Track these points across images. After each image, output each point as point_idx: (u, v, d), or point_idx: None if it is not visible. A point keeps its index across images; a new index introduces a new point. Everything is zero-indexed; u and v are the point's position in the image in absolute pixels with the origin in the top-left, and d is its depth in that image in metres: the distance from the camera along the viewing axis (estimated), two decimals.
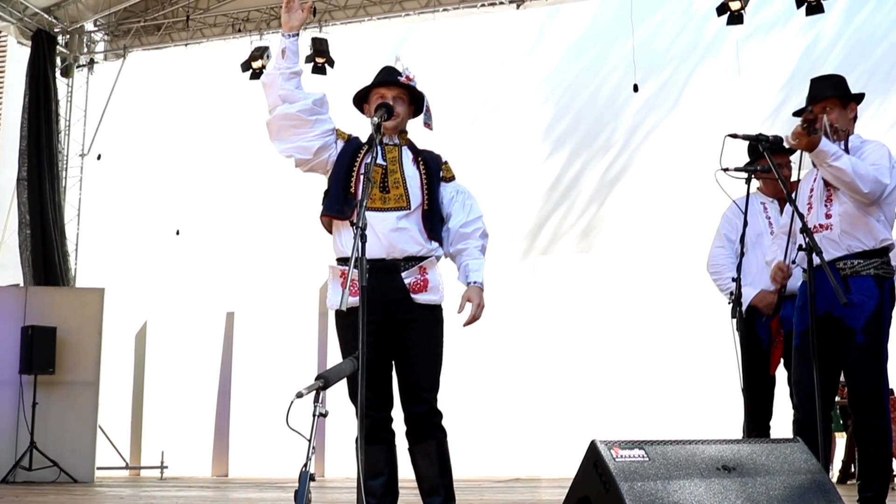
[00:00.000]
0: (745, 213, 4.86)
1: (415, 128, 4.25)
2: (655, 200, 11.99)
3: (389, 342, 3.95)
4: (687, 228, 10.75)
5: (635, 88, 11.37)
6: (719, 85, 11.90)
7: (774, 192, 5.40)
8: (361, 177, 3.84)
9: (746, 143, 5.01)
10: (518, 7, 12.16)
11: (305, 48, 12.14)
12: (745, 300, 5.16)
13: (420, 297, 3.95)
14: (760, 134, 4.73)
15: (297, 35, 4.08)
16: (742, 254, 4.86)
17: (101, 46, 14.06)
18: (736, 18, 10.91)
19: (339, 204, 3.98)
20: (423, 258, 3.98)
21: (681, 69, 12.47)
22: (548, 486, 9.48)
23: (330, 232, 4.12)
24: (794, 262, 4.72)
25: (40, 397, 10.31)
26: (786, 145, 4.76)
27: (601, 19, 12.92)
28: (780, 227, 4.91)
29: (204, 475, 12.60)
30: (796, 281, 5.01)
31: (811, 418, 4.32)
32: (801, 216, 4.39)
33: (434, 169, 4.12)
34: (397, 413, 4.00)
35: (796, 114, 4.68)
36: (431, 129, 4.24)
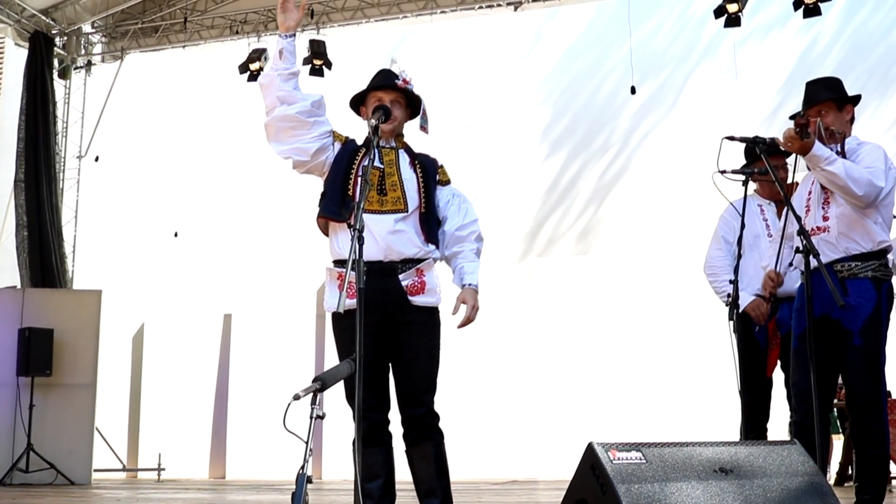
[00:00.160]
0: (743, 216, 4.87)
1: (410, 132, 4.25)
2: (653, 202, 11.99)
3: (386, 344, 3.95)
4: (684, 230, 10.75)
5: (633, 90, 11.38)
6: (717, 87, 11.91)
7: (771, 195, 5.40)
8: (359, 179, 3.84)
9: (743, 145, 5.01)
10: (516, 9, 12.17)
11: (303, 50, 12.15)
12: (740, 306, 5.16)
13: (417, 300, 3.96)
14: (757, 136, 4.74)
15: (294, 35, 4.08)
16: (739, 256, 4.86)
17: (98, 48, 14.06)
18: (733, 21, 10.92)
19: (337, 206, 3.98)
20: (420, 260, 3.98)
21: (678, 71, 12.48)
22: (545, 488, 9.47)
23: (326, 234, 4.12)
24: (790, 264, 4.73)
25: (37, 399, 10.29)
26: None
27: (599, 21, 12.92)
28: (778, 230, 4.92)
29: (201, 477, 12.59)
30: (794, 283, 5.02)
31: (809, 420, 4.32)
32: (799, 219, 4.39)
33: (431, 172, 4.13)
34: (394, 415, 4.01)
35: (793, 118, 4.68)
36: (427, 132, 4.24)
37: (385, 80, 4.15)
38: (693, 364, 10.44)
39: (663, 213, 11.77)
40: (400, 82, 4.13)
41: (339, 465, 10.86)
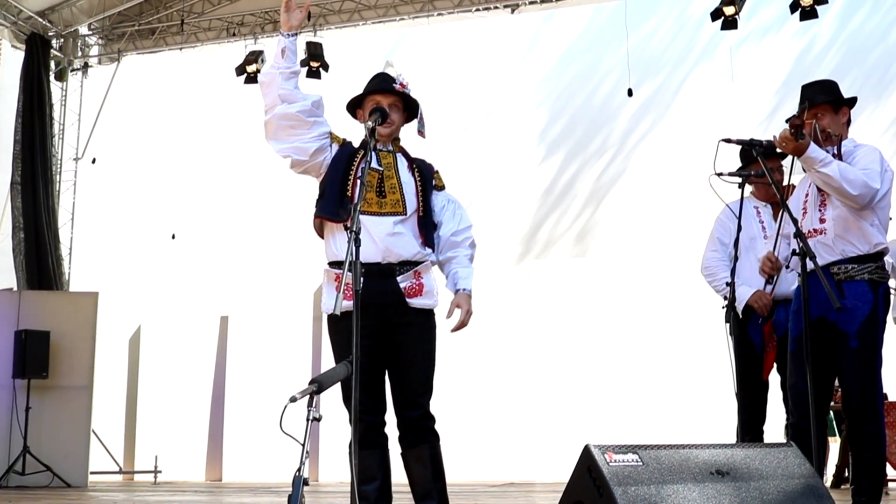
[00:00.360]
0: (739, 218, 4.87)
1: (407, 137, 4.26)
2: (650, 205, 11.99)
3: (383, 346, 3.95)
4: (681, 233, 10.75)
5: (630, 93, 11.39)
6: (713, 90, 11.92)
7: (767, 197, 5.41)
8: (358, 181, 3.85)
9: (740, 147, 5.02)
10: (513, 11, 12.18)
11: (300, 52, 12.13)
12: (742, 300, 5.17)
13: (415, 302, 3.97)
14: (753, 139, 4.74)
15: (297, 35, 4.09)
16: (736, 258, 4.87)
17: (95, 50, 14.05)
18: (730, 23, 10.93)
19: (335, 207, 3.98)
20: (418, 263, 3.99)
21: (675, 74, 12.49)
22: (542, 490, 9.47)
23: (321, 236, 4.12)
24: (787, 266, 4.73)
25: (34, 402, 10.28)
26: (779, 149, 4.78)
27: (596, 24, 12.93)
28: (773, 231, 4.92)
29: (198, 479, 12.57)
30: (790, 285, 5.02)
31: (806, 423, 4.31)
32: (795, 221, 4.40)
33: (428, 177, 4.15)
34: (390, 417, 4.00)
35: (790, 120, 4.69)
36: (425, 136, 4.25)
37: (382, 83, 4.15)
38: (690, 366, 10.44)
39: (660, 215, 11.77)
40: (397, 86, 4.13)
41: (336, 468, 10.86)
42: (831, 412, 9.38)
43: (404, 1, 12.51)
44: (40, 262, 12.53)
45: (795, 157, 4.50)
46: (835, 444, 9.51)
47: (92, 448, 10.97)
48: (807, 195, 4.70)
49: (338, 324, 3.91)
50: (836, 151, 4.58)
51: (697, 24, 12.11)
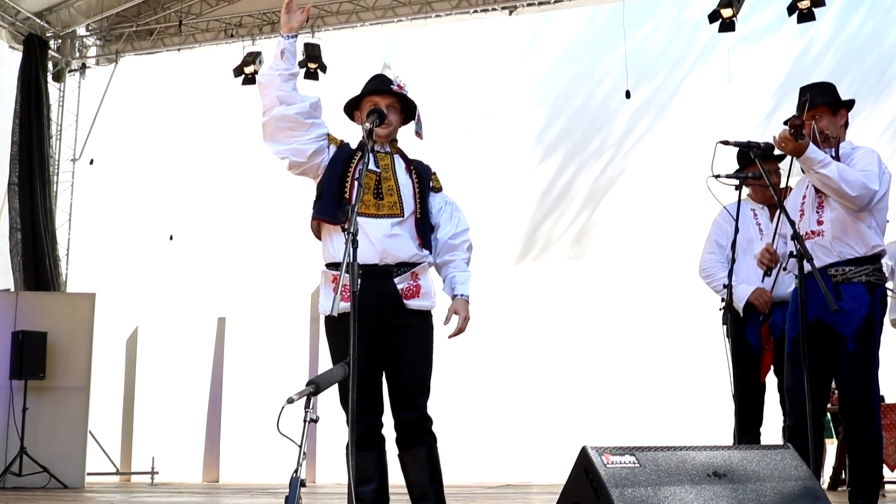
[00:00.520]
0: (737, 220, 4.87)
1: (404, 138, 4.25)
2: (647, 206, 12.00)
3: (381, 348, 3.95)
4: (678, 234, 10.75)
5: (627, 95, 11.40)
6: (711, 92, 11.93)
7: (764, 199, 5.42)
8: (356, 182, 3.84)
9: (737, 149, 5.02)
10: (510, 13, 12.19)
11: (298, 53, 12.12)
12: (742, 298, 5.17)
13: (412, 303, 3.96)
14: (751, 141, 4.74)
15: (296, 36, 4.08)
16: (733, 260, 4.87)
17: (93, 51, 14.05)
18: (728, 25, 10.94)
19: (333, 209, 3.97)
20: (415, 264, 3.98)
21: (673, 76, 12.50)
22: (539, 492, 9.47)
23: (319, 237, 4.12)
24: (784, 268, 4.73)
25: (31, 402, 10.27)
26: (777, 151, 4.78)
27: (593, 26, 12.94)
28: (770, 233, 4.92)
29: (195, 481, 12.57)
30: (787, 287, 5.03)
31: (803, 425, 4.31)
32: (792, 223, 4.40)
33: (425, 179, 4.14)
34: (387, 419, 4.00)
35: (787, 122, 4.69)
36: (422, 138, 4.25)
37: (380, 84, 4.15)
38: (687, 368, 10.45)
39: (658, 217, 11.78)
40: (395, 87, 4.13)
41: (333, 469, 10.85)
42: (828, 414, 9.39)
43: (402, 2, 12.51)
44: (37, 262, 12.53)
45: (794, 158, 4.50)
46: (832, 446, 9.51)
47: (89, 449, 10.97)
48: (804, 197, 4.70)
49: (335, 325, 3.91)
50: (834, 153, 4.58)
51: (695, 26, 12.12)
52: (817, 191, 4.60)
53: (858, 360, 4.44)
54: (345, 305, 3.61)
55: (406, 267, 3.97)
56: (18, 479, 9.99)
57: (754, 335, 5.27)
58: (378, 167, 4.03)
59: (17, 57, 13.13)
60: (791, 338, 4.59)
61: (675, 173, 11.50)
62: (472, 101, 13.00)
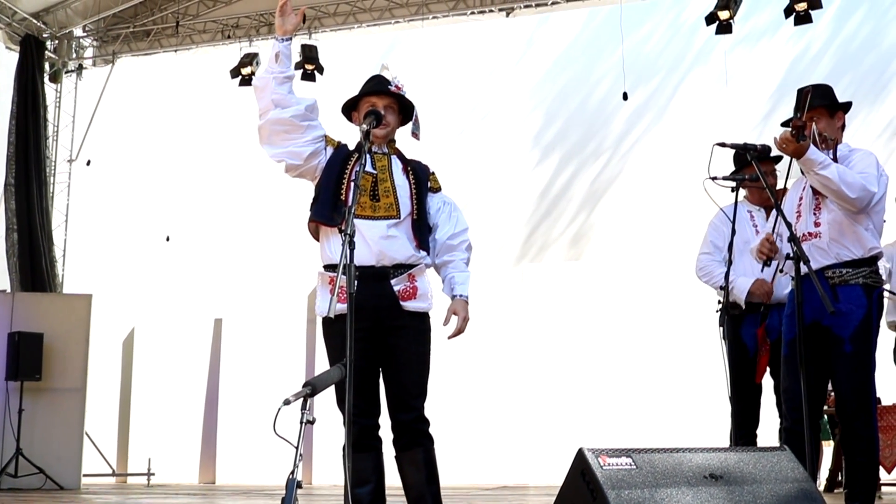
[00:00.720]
0: (734, 222, 4.87)
1: (402, 138, 4.25)
2: (644, 208, 12.01)
3: (378, 349, 3.95)
4: (675, 236, 10.76)
5: (625, 97, 11.41)
6: (708, 94, 11.94)
7: (761, 201, 5.42)
8: (352, 184, 3.84)
9: (733, 151, 5.03)
10: (507, 15, 12.19)
11: (295, 55, 12.14)
12: (743, 290, 5.16)
13: (409, 305, 3.96)
14: (748, 143, 4.75)
15: (291, 39, 4.07)
16: (730, 262, 4.87)
17: (89, 52, 14.04)
18: (725, 28, 10.96)
19: (329, 210, 3.97)
20: (412, 266, 3.98)
21: (670, 78, 12.51)
22: (535, 493, 9.47)
23: (317, 239, 4.12)
24: (781, 270, 4.73)
25: (27, 404, 10.25)
26: (774, 152, 4.78)
27: (590, 28, 12.95)
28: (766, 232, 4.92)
29: (191, 482, 12.56)
30: (784, 289, 5.03)
31: (799, 427, 4.31)
32: (789, 225, 4.40)
33: (423, 179, 4.13)
34: (385, 420, 4.00)
35: (785, 124, 4.69)
36: (419, 139, 4.24)
37: (378, 85, 4.15)
38: (683, 370, 10.45)
39: (655, 218, 11.79)
40: (393, 88, 4.13)
41: (330, 471, 10.85)
42: (825, 416, 9.39)
43: (399, 4, 12.52)
44: (34, 263, 12.52)
45: (794, 160, 4.49)
46: (828, 448, 9.52)
47: (85, 450, 10.95)
48: (801, 198, 4.70)
49: (332, 327, 3.91)
50: (831, 155, 4.58)
51: (692, 28, 12.13)
52: (815, 193, 4.60)
53: (855, 362, 4.44)
54: (341, 307, 3.61)
55: (403, 268, 3.96)
56: (14, 480, 9.98)
57: (751, 337, 5.27)
58: (375, 168, 4.02)
59: (13, 58, 13.12)
60: (787, 340, 4.59)
61: (672, 175, 11.51)
62: (470, 102, 13.01)
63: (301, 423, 3.07)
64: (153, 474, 12.13)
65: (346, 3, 12.66)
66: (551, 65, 13.04)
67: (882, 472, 7.59)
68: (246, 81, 12.35)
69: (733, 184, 4.90)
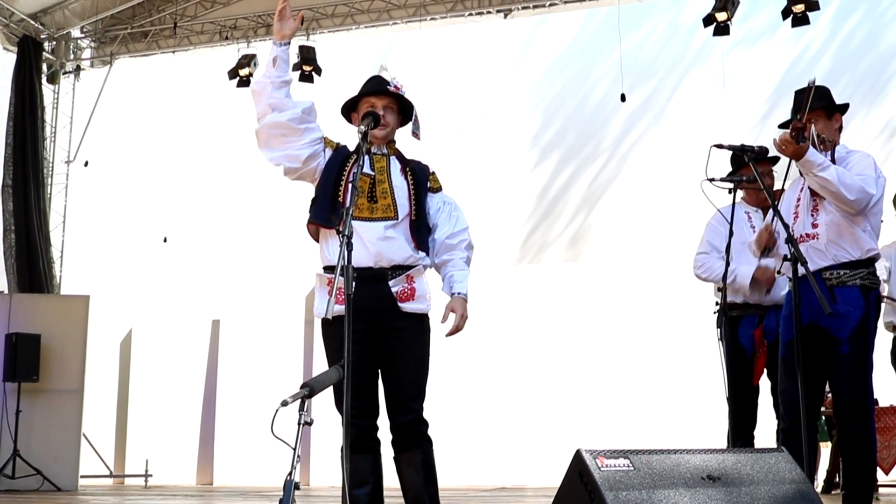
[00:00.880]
0: (731, 223, 4.88)
1: (403, 137, 4.25)
2: (642, 210, 12.01)
3: (376, 350, 3.95)
4: (673, 238, 10.76)
5: (622, 98, 11.41)
6: (705, 95, 11.94)
7: (758, 202, 5.43)
8: (349, 186, 3.84)
9: (731, 152, 5.03)
10: (505, 17, 12.19)
11: (293, 56, 12.13)
12: (746, 276, 5.17)
13: (407, 306, 3.96)
14: (745, 144, 4.75)
15: (289, 44, 4.08)
16: (727, 263, 4.87)
17: (87, 53, 14.03)
18: (722, 29, 10.95)
19: (327, 212, 3.98)
20: (410, 267, 3.98)
21: (667, 79, 12.51)
22: (533, 495, 9.47)
23: (317, 240, 4.12)
24: (779, 272, 4.74)
25: (24, 405, 10.24)
26: (772, 154, 4.79)
27: (588, 29, 12.95)
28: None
29: (188, 483, 12.54)
30: (781, 290, 5.03)
31: (797, 428, 4.31)
32: (787, 226, 4.40)
33: (422, 179, 4.13)
34: (383, 422, 4.00)
35: (783, 125, 4.70)
36: (419, 138, 4.25)
37: (377, 85, 4.15)
38: (681, 371, 10.45)
39: (653, 220, 11.79)
40: (392, 88, 4.13)
41: (327, 472, 10.84)
42: (822, 417, 9.40)
43: (397, 5, 12.52)
44: (31, 265, 12.50)
45: (793, 161, 4.49)
46: (826, 449, 9.52)
47: (82, 452, 10.93)
48: (798, 199, 4.70)
49: (330, 328, 3.92)
50: (829, 157, 4.58)
51: (690, 29, 12.13)
52: (812, 194, 4.60)
53: (853, 363, 4.44)
54: (339, 308, 3.63)
55: (401, 270, 3.97)
56: (11, 481, 9.97)
57: (748, 338, 5.27)
58: (373, 170, 4.03)
59: (11, 59, 13.10)
60: (785, 341, 4.59)
61: (669, 176, 11.51)
62: (467, 104, 13.01)
63: (299, 424, 3.07)
64: (151, 476, 12.12)
65: (344, 4, 12.66)
66: (549, 66, 13.04)
67: (879, 474, 7.59)
68: (244, 83, 12.34)
69: (731, 185, 4.91)
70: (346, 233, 3.45)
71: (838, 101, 4.77)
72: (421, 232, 4.05)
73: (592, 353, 11.20)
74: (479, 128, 13.00)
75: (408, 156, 4.21)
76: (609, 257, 12.08)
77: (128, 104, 13.68)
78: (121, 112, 13.65)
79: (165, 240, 13.16)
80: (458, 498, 8.48)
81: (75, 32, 13.81)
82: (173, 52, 13.40)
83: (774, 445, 4.44)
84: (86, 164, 13.41)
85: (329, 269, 4.01)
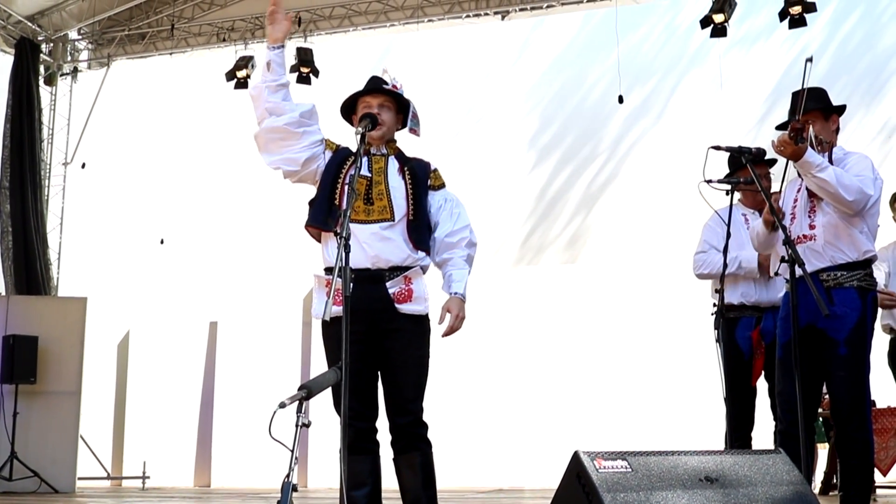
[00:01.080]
0: (729, 225, 4.88)
1: (405, 135, 4.25)
2: (640, 211, 12.01)
3: (374, 352, 3.95)
4: (671, 239, 10.77)
5: (620, 100, 11.40)
6: (703, 97, 11.94)
7: (755, 204, 5.43)
8: (346, 187, 3.85)
9: (728, 154, 5.03)
10: (503, 18, 12.19)
11: (290, 58, 12.13)
12: (751, 259, 5.19)
13: (404, 308, 3.96)
14: (742, 146, 4.75)
15: (283, 47, 4.09)
16: (725, 265, 4.87)
17: (84, 55, 14.02)
18: (719, 31, 10.95)
19: (324, 215, 3.98)
20: (407, 268, 3.98)
21: (665, 81, 12.51)
22: (531, 496, 9.47)
23: (319, 241, 4.13)
24: (777, 273, 4.74)
25: (21, 407, 10.23)
26: (769, 156, 4.79)
27: (586, 31, 12.96)
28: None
29: (186, 485, 12.54)
30: (778, 292, 5.03)
31: (794, 429, 4.31)
32: (784, 228, 4.40)
33: (421, 177, 4.11)
34: (383, 423, 4.00)
35: (780, 127, 4.70)
36: (418, 135, 4.24)
37: (372, 84, 4.16)
38: (679, 373, 10.45)
39: (651, 221, 11.79)
40: (389, 87, 4.14)
41: (325, 474, 10.83)
42: (820, 419, 9.40)
43: (395, 7, 12.52)
44: (28, 266, 12.49)
45: (792, 162, 4.49)
46: (823, 451, 9.53)
47: (80, 453, 10.92)
48: (795, 200, 4.70)
49: (329, 329, 3.92)
50: (826, 159, 4.58)
51: (687, 31, 12.14)
52: (810, 195, 4.60)
53: (850, 364, 4.44)
54: (337, 309, 3.63)
55: (398, 271, 3.96)
56: (9, 483, 9.95)
57: (745, 340, 5.28)
58: (371, 171, 4.03)
59: (8, 60, 13.09)
60: (782, 342, 4.59)
61: (667, 178, 11.51)
62: (465, 105, 13.01)
63: (296, 426, 3.07)
64: (148, 478, 12.11)
65: (341, 6, 12.66)
66: (547, 68, 13.04)
67: (877, 475, 7.60)
68: (241, 84, 12.34)
69: (728, 187, 4.91)
70: (344, 235, 3.45)
71: (835, 102, 4.78)
72: (420, 231, 4.04)
73: (590, 355, 11.20)
74: (476, 129, 13.00)
75: (411, 154, 4.20)
76: (607, 259, 12.08)
77: (125, 106, 13.67)
78: (118, 114, 13.63)
79: (162, 241, 13.14)
80: (455, 500, 8.48)
81: (72, 34, 13.80)
82: (171, 53, 13.40)
83: (772, 447, 4.44)
84: (83, 165, 13.40)
85: (329, 270, 4.01)
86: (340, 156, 4.07)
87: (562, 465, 3.32)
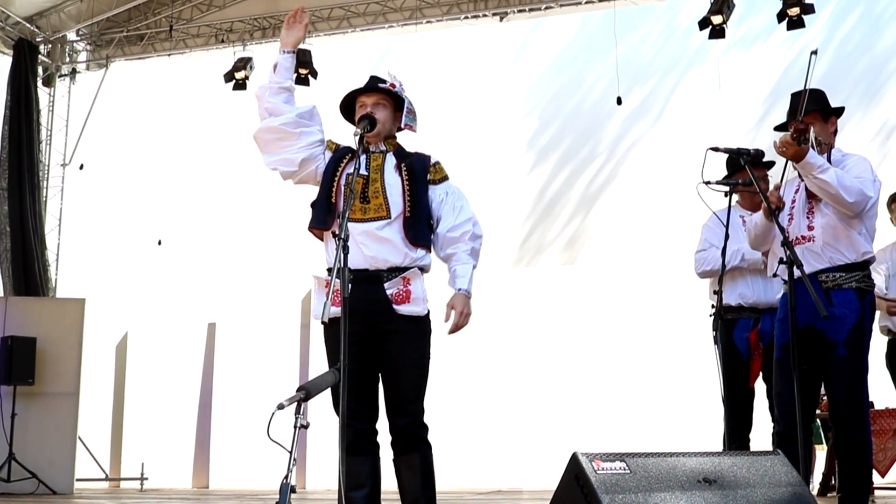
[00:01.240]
0: (727, 226, 4.88)
1: (407, 133, 4.25)
2: (639, 212, 12.01)
3: (374, 353, 3.95)
4: (670, 240, 10.77)
5: (619, 101, 11.40)
6: (702, 98, 11.95)
7: (753, 206, 5.43)
8: (343, 187, 3.86)
9: (727, 155, 5.03)
10: (501, 19, 12.19)
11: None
12: (752, 251, 5.18)
13: (402, 309, 3.95)
14: (741, 148, 4.75)
15: (293, 53, 4.14)
16: (724, 266, 4.87)
17: (83, 56, 14.01)
18: (718, 32, 10.95)
19: (323, 215, 4.00)
20: (406, 269, 3.97)
21: (664, 82, 12.51)
22: (529, 498, 9.47)
23: (323, 242, 4.14)
24: (775, 274, 4.74)
25: (19, 408, 10.22)
26: (768, 158, 4.79)
27: (584, 32, 12.96)
28: None
29: (184, 487, 12.53)
30: (776, 293, 5.03)
31: (792, 431, 4.31)
32: (783, 229, 4.40)
33: (420, 172, 4.10)
34: (383, 424, 4.00)
35: (779, 128, 4.70)
36: (415, 131, 4.24)
37: (368, 83, 4.17)
38: (677, 374, 10.45)
39: (649, 222, 11.80)
40: (387, 84, 4.14)
41: (324, 475, 10.83)
42: (818, 420, 9.40)
43: (393, 8, 12.52)
44: (27, 268, 12.48)
45: (792, 164, 4.49)
46: (821, 452, 9.53)
47: (78, 455, 10.91)
48: (793, 201, 4.70)
49: (328, 330, 3.92)
50: (825, 160, 4.58)
51: (686, 32, 12.14)
52: (808, 196, 4.60)
53: (848, 366, 4.44)
54: (335, 310, 3.63)
55: (396, 272, 3.96)
56: (7, 485, 9.94)
57: (743, 341, 5.28)
58: (368, 170, 4.03)
59: (6, 62, 13.08)
60: (780, 343, 4.59)
61: (666, 179, 11.52)
62: (464, 107, 13.01)
63: (295, 427, 3.07)
64: (146, 479, 12.10)
65: (340, 7, 12.66)
66: (545, 69, 13.04)
67: (875, 476, 7.60)
68: (239, 86, 12.34)
69: (727, 188, 4.91)
70: (343, 235, 3.45)
71: (834, 104, 4.78)
72: (418, 229, 4.02)
73: (589, 356, 11.20)
74: (475, 130, 13.00)
75: (412, 149, 4.20)
76: (606, 260, 12.08)
77: (123, 107, 13.66)
78: (116, 115, 13.63)
79: (160, 243, 13.14)
80: (454, 501, 8.47)
81: (71, 35, 13.79)
82: (169, 55, 13.39)
83: (770, 448, 4.44)
84: (81, 167, 13.39)
85: (329, 271, 4.02)
86: (338, 155, 4.08)
87: (560, 466, 3.32)
